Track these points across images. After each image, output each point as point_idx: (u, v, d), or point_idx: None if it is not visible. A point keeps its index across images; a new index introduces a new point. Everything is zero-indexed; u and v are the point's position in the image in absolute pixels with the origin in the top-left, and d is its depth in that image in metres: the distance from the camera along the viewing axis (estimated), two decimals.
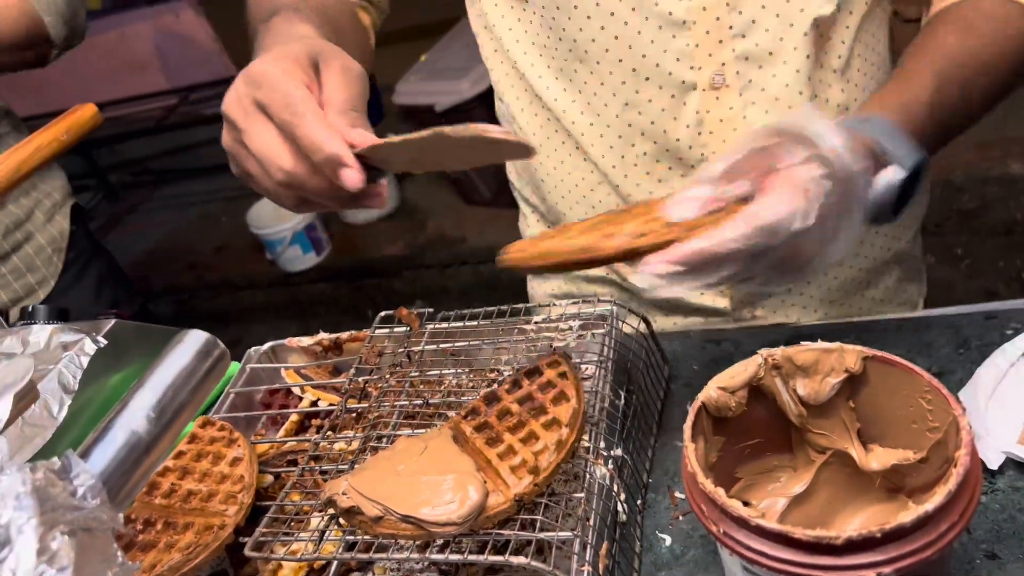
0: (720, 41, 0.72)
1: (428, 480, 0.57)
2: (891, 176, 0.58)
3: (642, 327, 0.74)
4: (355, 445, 0.68)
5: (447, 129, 0.50)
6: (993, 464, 0.60)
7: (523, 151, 0.52)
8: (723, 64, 0.73)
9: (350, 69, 0.57)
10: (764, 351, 0.55)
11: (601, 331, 0.72)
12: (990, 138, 2.58)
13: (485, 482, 0.57)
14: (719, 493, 0.47)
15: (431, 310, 0.78)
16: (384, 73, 3.08)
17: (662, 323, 0.94)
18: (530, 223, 0.94)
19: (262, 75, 0.54)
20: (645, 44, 0.74)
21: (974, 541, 0.57)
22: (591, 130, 0.80)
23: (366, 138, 0.53)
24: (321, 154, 0.52)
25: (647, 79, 0.75)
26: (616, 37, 0.74)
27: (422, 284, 2.92)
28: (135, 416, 0.47)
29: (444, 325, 0.77)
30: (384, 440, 0.68)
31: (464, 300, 2.79)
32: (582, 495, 0.58)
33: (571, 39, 0.76)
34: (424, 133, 0.51)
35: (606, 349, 0.69)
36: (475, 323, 0.76)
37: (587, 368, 0.69)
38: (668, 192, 0.59)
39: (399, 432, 0.68)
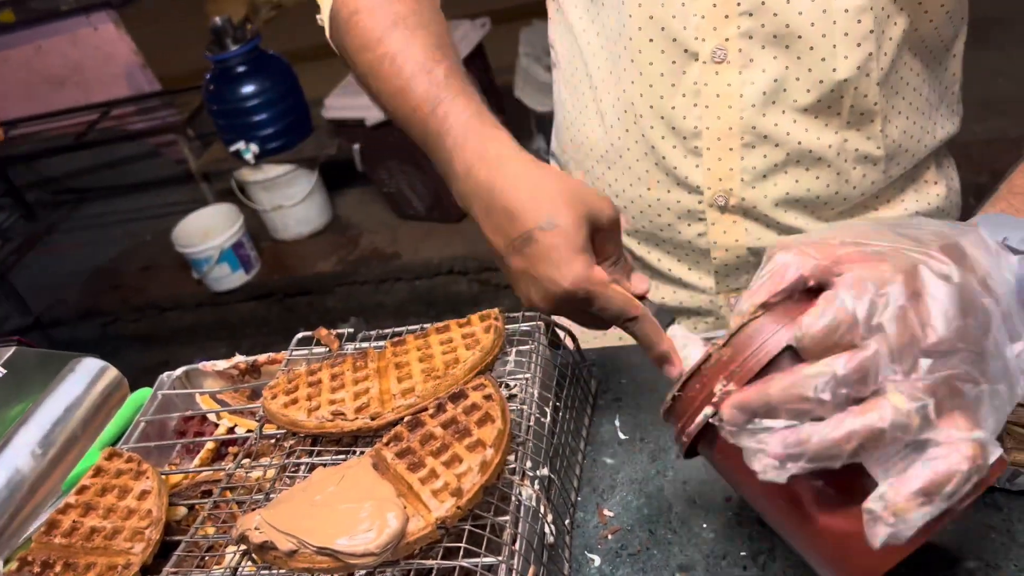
0: (726, 16, 0.72)
1: (345, 509, 0.55)
2: (1020, 267, 0.47)
3: (568, 342, 0.72)
4: (272, 473, 0.65)
5: None
6: None
7: None
8: (727, 40, 0.72)
9: (615, 216, 0.61)
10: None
11: (527, 347, 0.70)
12: (982, 140, 2.62)
13: (405, 507, 0.55)
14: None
15: (350, 330, 0.75)
16: (313, 87, 3.03)
17: (592, 335, 0.93)
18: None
19: (589, 290, 0.58)
20: (656, 5, 0.73)
21: None
22: (608, 75, 0.81)
23: (644, 282, 0.62)
24: (654, 352, 0.59)
25: (651, 40, 0.75)
26: None
27: (356, 301, 2.87)
28: (19, 453, 0.43)
29: (366, 345, 0.74)
30: (302, 468, 0.65)
31: (400, 317, 2.76)
32: (508, 518, 0.56)
33: None
34: None
35: (532, 366, 0.68)
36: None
37: (514, 386, 0.68)
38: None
39: (319, 459, 0.65)
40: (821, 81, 0.73)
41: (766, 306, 0.45)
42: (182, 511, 0.69)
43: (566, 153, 0.90)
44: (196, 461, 0.75)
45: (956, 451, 0.41)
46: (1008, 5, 2.97)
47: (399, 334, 0.74)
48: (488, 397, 0.61)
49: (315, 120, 3.04)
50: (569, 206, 0.59)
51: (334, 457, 0.65)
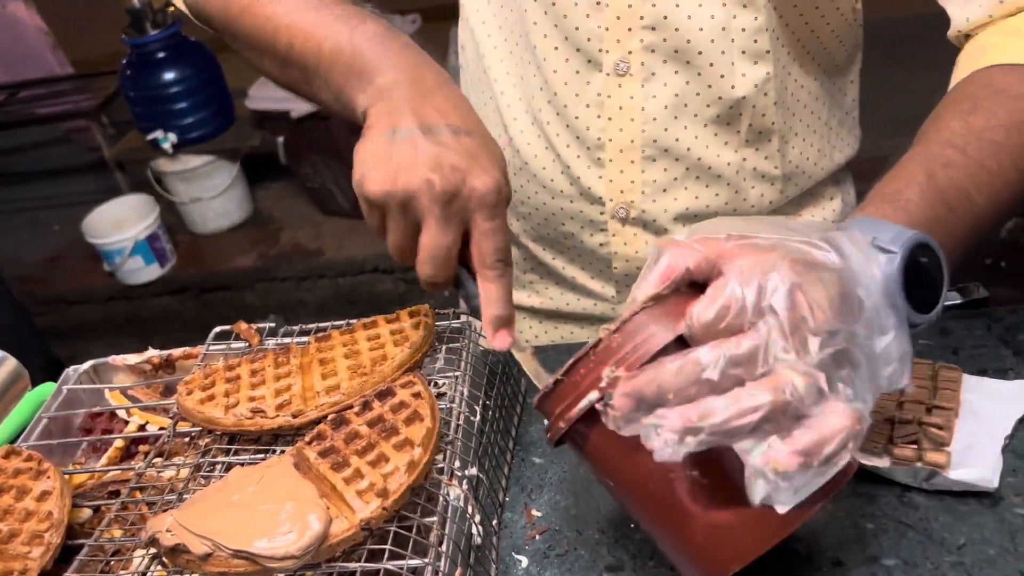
0: (629, 29, 0.72)
1: (264, 510, 0.52)
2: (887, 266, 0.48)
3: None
4: (185, 473, 0.62)
5: None
6: None
7: None
8: (629, 52, 0.73)
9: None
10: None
11: (458, 344, 0.69)
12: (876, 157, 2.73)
13: (328, 508, 0.53)
14: None
15: (272, 325, 0.72)
16: (237, 77, 2.95)
17: (527, 334, 0.93)
18: None
19: (504, 190, 0.56)
20: (559, 16, 0.73)
21: (820, 548, 0.58)
22: (512, 81, 0.80)
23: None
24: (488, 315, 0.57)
25: (556, 48, 0.75)
26: None
27: (276, 298, 2.80)
28: None
29: (288, 340, 0.71)
30: (218, 468, 0.62)
31: (322, 315, 2.68)
32: (435, 519, 0.55)
33: None
34: None
35: (463, 364, 0.67)
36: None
37: (443, 384, 0.66)
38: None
39: (237, 459, 0.63)
40: (720, 97, 0.74)
41: (656, 298, 0.46)
42: (87, 513, 0.65)
43: None
44: (103, 460, 0.71)
45: (836, 416, 0.42)
46: (915, 25, 3.09)
47: (323, 330, 0.71)
48: (417, 395, 0.60)
49: (238, 110, 2.96)
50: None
51: (252, 456, 0.62)
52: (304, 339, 0.71)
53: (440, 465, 0.58)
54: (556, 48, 0.75)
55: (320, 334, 0.70)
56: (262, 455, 0.62)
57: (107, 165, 3.09)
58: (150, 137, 2.83)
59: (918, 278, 0.50)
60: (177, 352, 0.76)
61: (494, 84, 0.82)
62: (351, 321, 0.71)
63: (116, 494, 0.65)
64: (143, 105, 2.83)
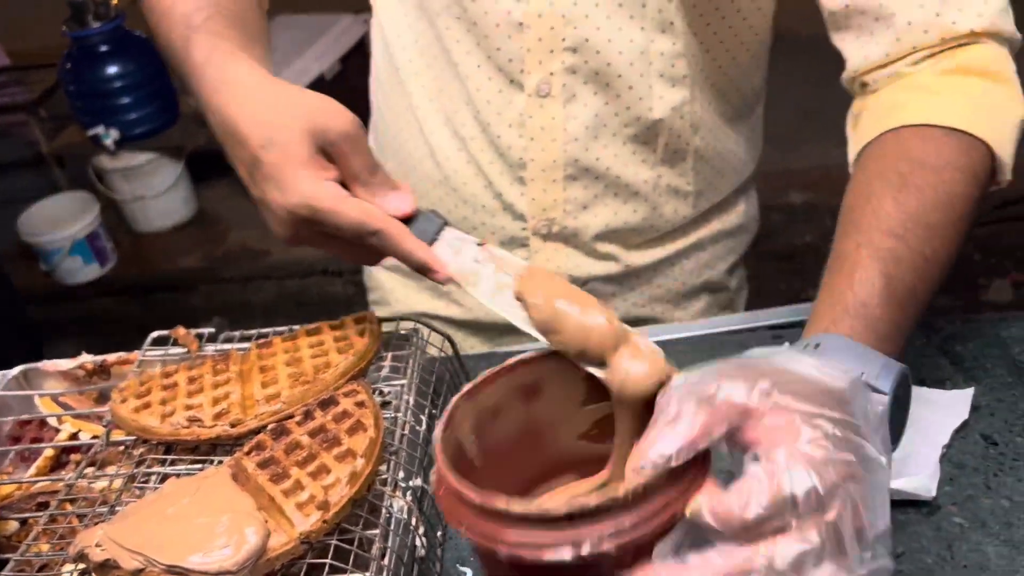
0: (551, 51, 0.73)
1: (200, 524, 0.51)
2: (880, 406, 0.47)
3: (447, 348, 0.70)
4: (118, 484, 0.60)
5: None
6: None
7: None
8: (551, 74, 0.73)
9: (350, 129, 0.54)
10: None
11: (404, 352, 0.68)
12: (775, 169, 2.79)
13: (266, 522, 0.51)
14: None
15: (211, 330, 0.71)
16: None
17: (471, 343, 0.92)
18: None
19: (312, 206, 0.53)
20: (481, 37, 0.73)
21: None
22: (432, 97, 0.79)
23: (408, 200, 0.56)
24: (411, 263, 0.55)
25: (479, 66, 0.75)
26: (458, 18, 0.73)
27: (221, 300, 2.74)
28: None
29: (228, 347, 0.70)
30: (153, 479, 0.60)
31: (268, 318, 2.65)
32: (377, 532, 0.54)
33: None
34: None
35: (408, 372, 0.66)
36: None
37: (388, 393, 0.65)
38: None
39: (173, 469, 0.61)
40: (638, 118, 0.76)
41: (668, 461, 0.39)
42: (13, 526, 0.62)
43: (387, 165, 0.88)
44: (32, 470, 0.68)
45: None
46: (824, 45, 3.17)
47: (265, 335, 0.70)
48: (360, 404, 0.59)
49: (183, 107, 2.88)
50: (289, 122, 0.54)
51: (189, 467, 0.60)
52: (245, 345, 0.69)
53: (384, 476, 0.57)
54: (479, 66, 0.75)
55: (261, 340, 0.68)
56: (199, 466, 0.60)
57: (45, 161, 2.99)
58: (91, 132, 2.75)
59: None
60: (112, 358, 0.74)
61: (411, 97, 0.82)
62: (294, 327, 0.69)
63: (45, 506, 0.62)
64: (84, 99, 2.75)
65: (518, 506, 0.39)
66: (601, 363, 0.47)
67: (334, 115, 0.55)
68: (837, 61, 0.69)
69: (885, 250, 0.55)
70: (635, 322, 0.88)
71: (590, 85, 0.74)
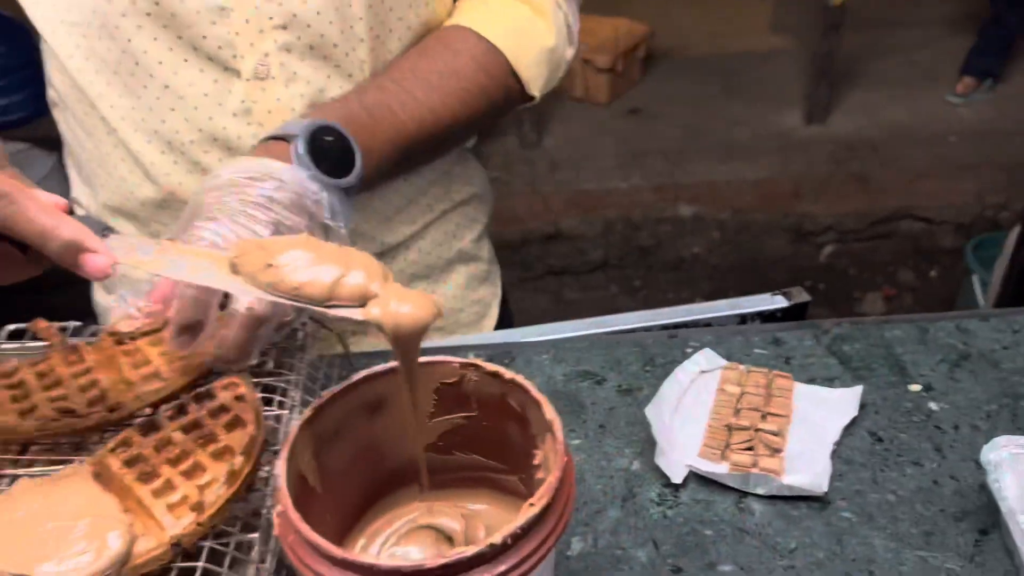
0: (261, 31, 0.70)
1: (55, 528, 0.46)
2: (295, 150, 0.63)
3: (338, 346, 0.67)
4: None
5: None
6: (677, 478, 0.62)
7: None
8: (267, 55, 0.71)
9: None
10: None
11: (291, 346, 0.64)
12: (665, 183, 2.87)
13: (132, 525, 0.46)
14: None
15: (78, 324, 0.65)
16: None
17: (362, 340, 0.88)
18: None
19: None
20: (183, 28, 0.69)
21: (661, 556, 0.57)
22: (132, 114, 0.73)
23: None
24: (58, 241, 0.49)
25: (186, 60, 0.70)
26: (148, 14, 0.68)
27: (88, 300, 2.58)
28: None
29: (96, 340, 0.64)
30: (4, 481, 0.54)
31: None
32: (257, 535, 0.50)
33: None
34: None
35: (296, 366, 0.62)
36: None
37: (275, 388, 0.61)
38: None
39: (27, 470, 0.55)
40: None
41: None
42: None
43: (107, 205, 0.82)
44: None
45: None
46: (751, 62, 3.31)
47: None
48: (240, 398, 0.55)
49: None
50: None
51: (44, 468, 0.55)
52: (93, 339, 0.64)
53: (265, 476, 0.53)
54: (186, 60, 0.70)
55: (114, 332, 0.63)
56: (58, 465, 0.55)
57: None
58: None
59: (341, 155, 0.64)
60: None
61: (108, 121, 0.75)
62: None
63: None
64: None
65: (388, 560, 0.37)
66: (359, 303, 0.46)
67: None
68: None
69: (374, 83, 0.72)
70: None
71: (308, 61, 0.72)
